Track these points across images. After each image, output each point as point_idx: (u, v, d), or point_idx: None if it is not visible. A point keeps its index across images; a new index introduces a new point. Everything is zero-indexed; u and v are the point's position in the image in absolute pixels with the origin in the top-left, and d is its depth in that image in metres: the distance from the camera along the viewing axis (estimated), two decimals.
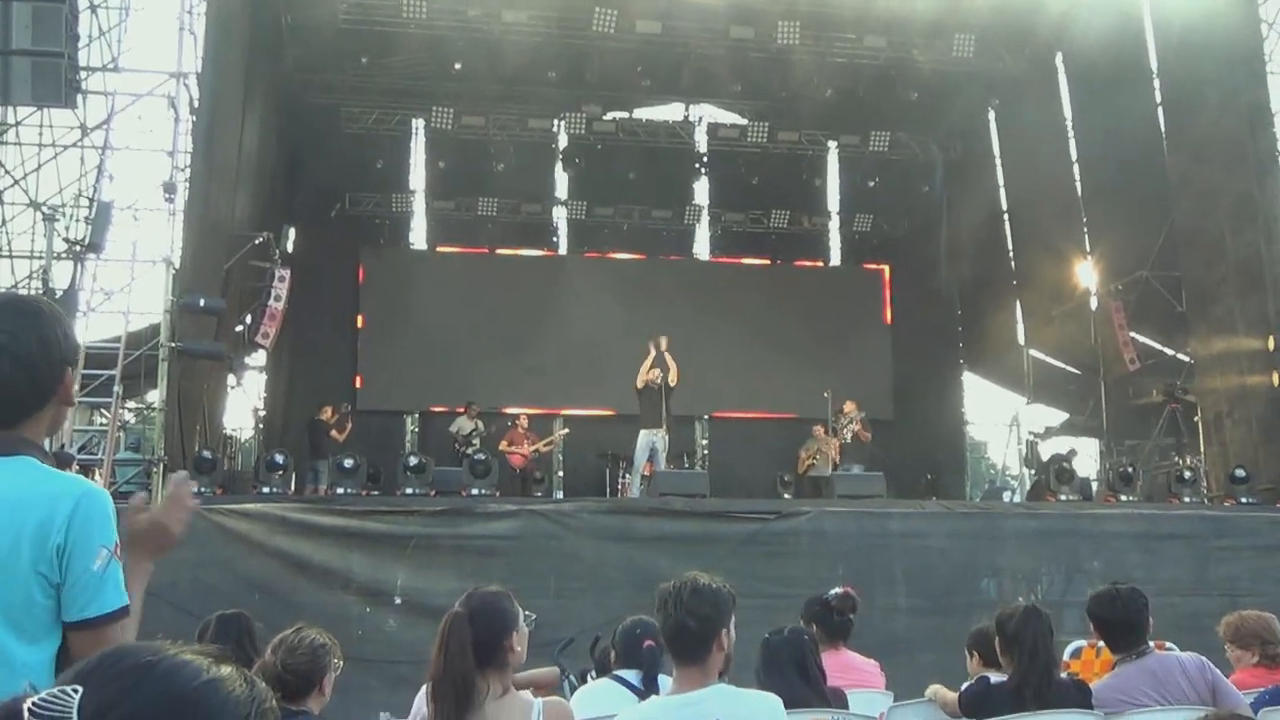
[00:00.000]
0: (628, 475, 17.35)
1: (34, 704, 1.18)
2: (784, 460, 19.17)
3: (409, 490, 13.68)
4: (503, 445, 17.36)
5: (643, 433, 15.42)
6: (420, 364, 19.81)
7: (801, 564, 12.10)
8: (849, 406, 17.39)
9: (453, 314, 20.19)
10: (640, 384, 15.33)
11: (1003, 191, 21.62)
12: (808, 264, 22.33)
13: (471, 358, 19.78)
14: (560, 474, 20.09)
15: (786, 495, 17.73)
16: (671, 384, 15.37)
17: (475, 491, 13.69)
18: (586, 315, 20.33)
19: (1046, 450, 19.07)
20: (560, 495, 18.27)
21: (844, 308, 21.61)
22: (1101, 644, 5.47)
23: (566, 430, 19.12)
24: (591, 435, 19.41)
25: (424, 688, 4.28)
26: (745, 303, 20.95)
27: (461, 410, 18.28)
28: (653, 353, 15.26)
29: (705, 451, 20.71)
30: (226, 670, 1.28)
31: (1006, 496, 17.29)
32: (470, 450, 16.60)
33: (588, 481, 19.06)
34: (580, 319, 20.29)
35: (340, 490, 13.62)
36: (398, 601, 11.69)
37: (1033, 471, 18.42)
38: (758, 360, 20.40)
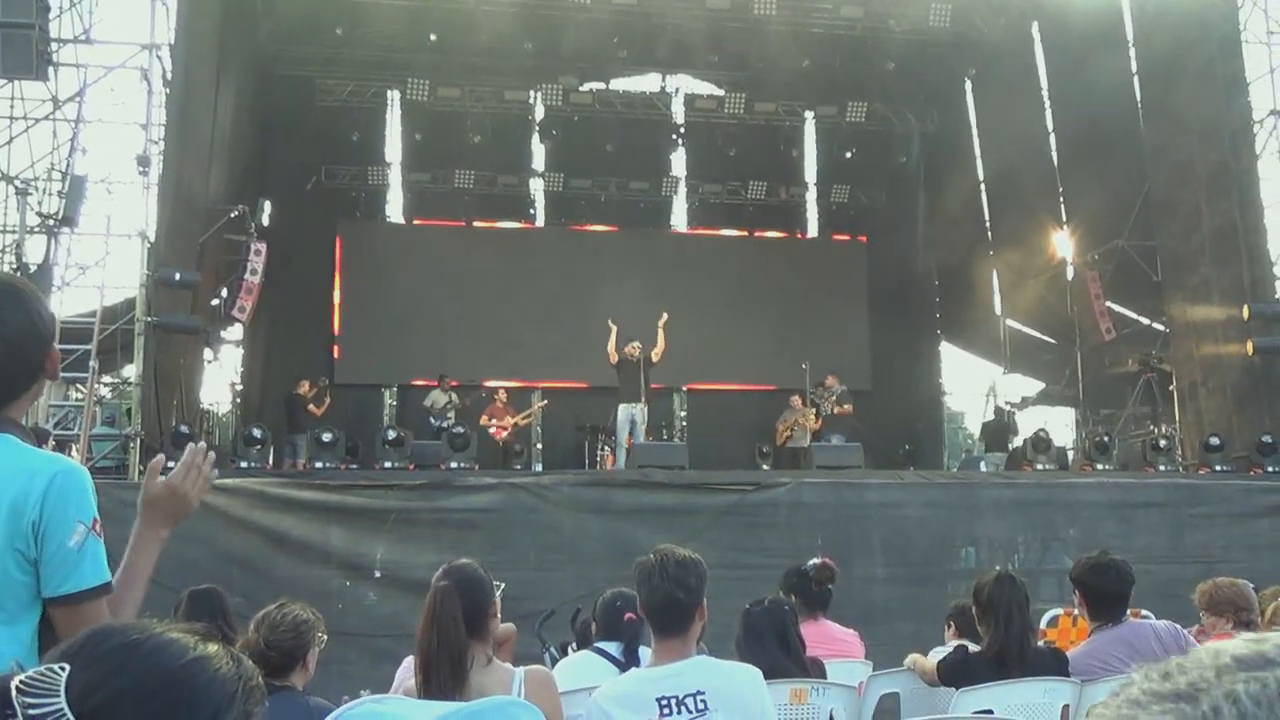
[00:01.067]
0: (607, 448, 17.43)
1: (21, 682, 1.19)
2: (762, 432, 19.25)
3: (388, 464, 13.67)
4: (484, 419, 17.43)
5: (621, 406, 15.51)
6: (398, 337, 19.78)
7: (780, 535, 12.18)
8: (831, 381, 17.48)
9: (430, 287, 20.16)
10: (613, 359, 15.46)
11: (979, 162, 21.65)
12: (785, 235, 22.38)
13: (449, 331, 19.82)
14: (539, 447, 20.09)
15: (765, 467, 17.79)
16: (654, 359, 15.45)
17: (454, 465, 13.69)
18: (564, 287, 20.36)
19: (1024, 420, 19.25)
20: (539, 468, 18.32)
21: (821, 279, 21.64)
22: (1077, 612, 5.53)
23: (545, 403, 19.20)
24: (570, 408, 19.44)
25: (406, 660, 4.28)
26: (723, 274, 20.98)
27: (435, 383, 18.38)
28: (614, 330, 15.43)
29: (684, 424, 20.75)
30: (213, 648, 1.28)
31: (983, 466, 17.40)
32: (445, 424, 16.62)
33: (566, 454, 19.12)
34: (557, 291, 20.31)
35: (319, 464, 13.66)
36: (377, 575, 11.72)
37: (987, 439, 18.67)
38: (735, 332, 20.46)
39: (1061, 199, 19.80)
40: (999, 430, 19.00)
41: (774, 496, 12.55)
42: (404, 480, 12.49)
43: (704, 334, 20.08)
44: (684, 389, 20.90)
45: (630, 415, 15.33)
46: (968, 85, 21.62)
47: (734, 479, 13.19)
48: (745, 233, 21.94)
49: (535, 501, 12.20)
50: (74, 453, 12.56)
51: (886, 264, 21.89)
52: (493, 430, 17.43)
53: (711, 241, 21.87)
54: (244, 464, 13.36)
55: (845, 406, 17.39)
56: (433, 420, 17.77)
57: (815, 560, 6.08)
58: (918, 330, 22.26)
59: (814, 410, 17.44)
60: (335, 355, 20.02)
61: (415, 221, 21.19)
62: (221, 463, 14.02)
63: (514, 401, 18.36)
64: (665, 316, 15.55)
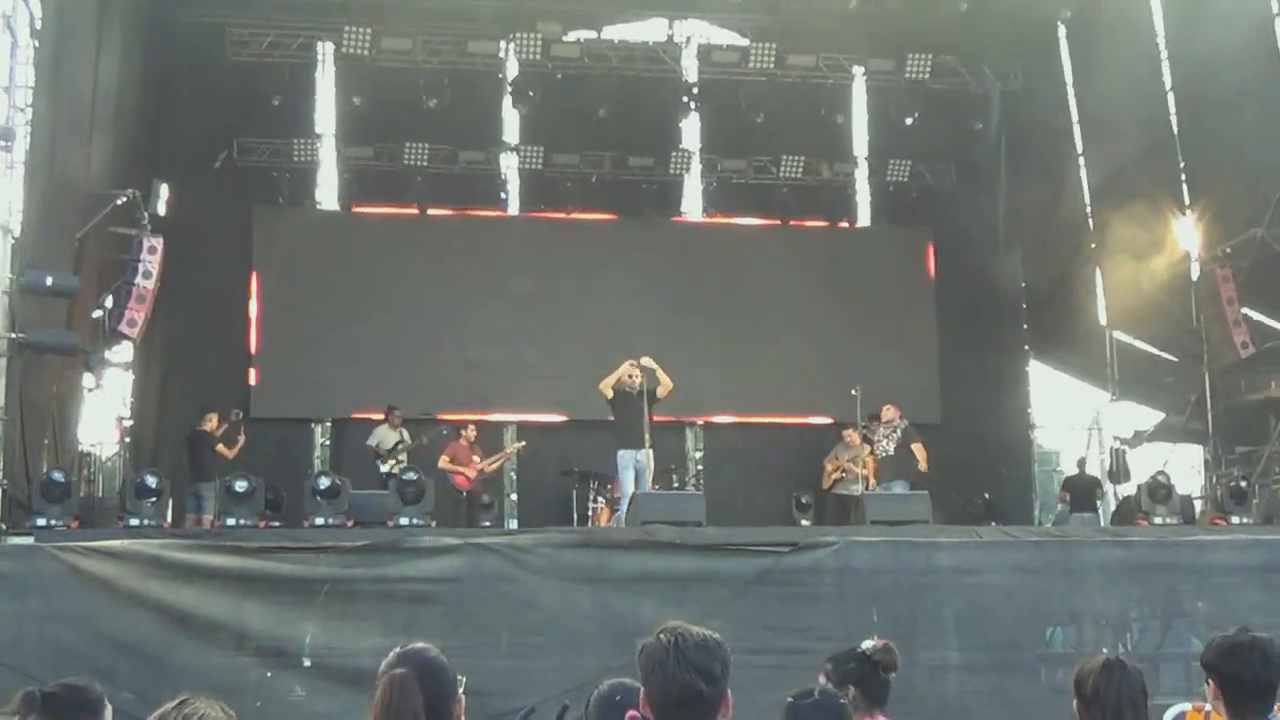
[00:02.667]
0: (601, 499, 17.41)
1: None
2: (801, 476, 19.20)
3: (319, 520, 13.67)
4: (444, 462, 17.39)
5: (621, 452, 15.49)
6: (332, 359, 19.73)
7: (825, 610, 12.16)
8: (889, 412, 17.44)
9: (373, 294, 20.16)
10: (608, 394, 15.50)
11: (1076, 130, 21.63)
12: (827, 225, 22.29)
13: (399, 350, 19.82)
14: (513, 497, 20.12)
15: (805, 521, 17.79)
16: (660, 395, 15.50)
17: (405, 521, 13.69)
18: (544, 294, 20.38)
19: (1138, 460, 19.18)
20: (514, 524, 18.35)
21: (875, 281, 21.63)
22: (1209, 708, 5.48)
23: (522, 444, 19.18)
24: (552, 447, 19.45)
25: None
26: (748, 276, 21.01)
27: (382, 417, 18.34)
28: (626, 369, 15.45)
29: (699, 467, 20.72)
30: None
31: (1085, 520, 17.34)
32: (395, 468, 16.56)
33: (548, 507, 19.10)
34: (536, 299, 20.33)
35: (231, 521, 13.61)
36: (306, 664, 11.68)
37: (1119, 488, 18.53)
38: (765, 350, 20.44)
39: (1183, 177, 19.73)
40: (1086, 486, 19.04)
41: (817, 560, 12.54)
42: (341, 541, 12.47)
43: (725, 353, 20.14)
44: (699, 423, 20.89)
45: (633, 461, 15.32)
46: (1061, 32, 21.59)
47: (765, 537, 13.19)
48: (777, 222, 21.90)
49: (509, 568, 12.17)
50: None
51: (959, 261, 21.88)
52: (455, 477, 17.42)
53: (733, 234, 21.93)
54: (134, 521, 13.24)
55: (914, 445, 17.36)
56: (379, 464, 17.72)
57: (872, 642, 6.04)
58: (1000, 346, 22.27)
59: (870, 450, 17.47)
60: (251, 381, 19.97)
61: (354, 209, 21.18)
62: (106, 520, 14.04)
63: (482, 440, 18.34)
64: (647, 361, 15.43)
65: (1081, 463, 20.02)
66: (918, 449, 17.24)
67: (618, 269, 20.55)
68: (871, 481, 17.34)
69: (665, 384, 15.47)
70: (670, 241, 21.57)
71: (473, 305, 20.21)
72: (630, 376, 15.43)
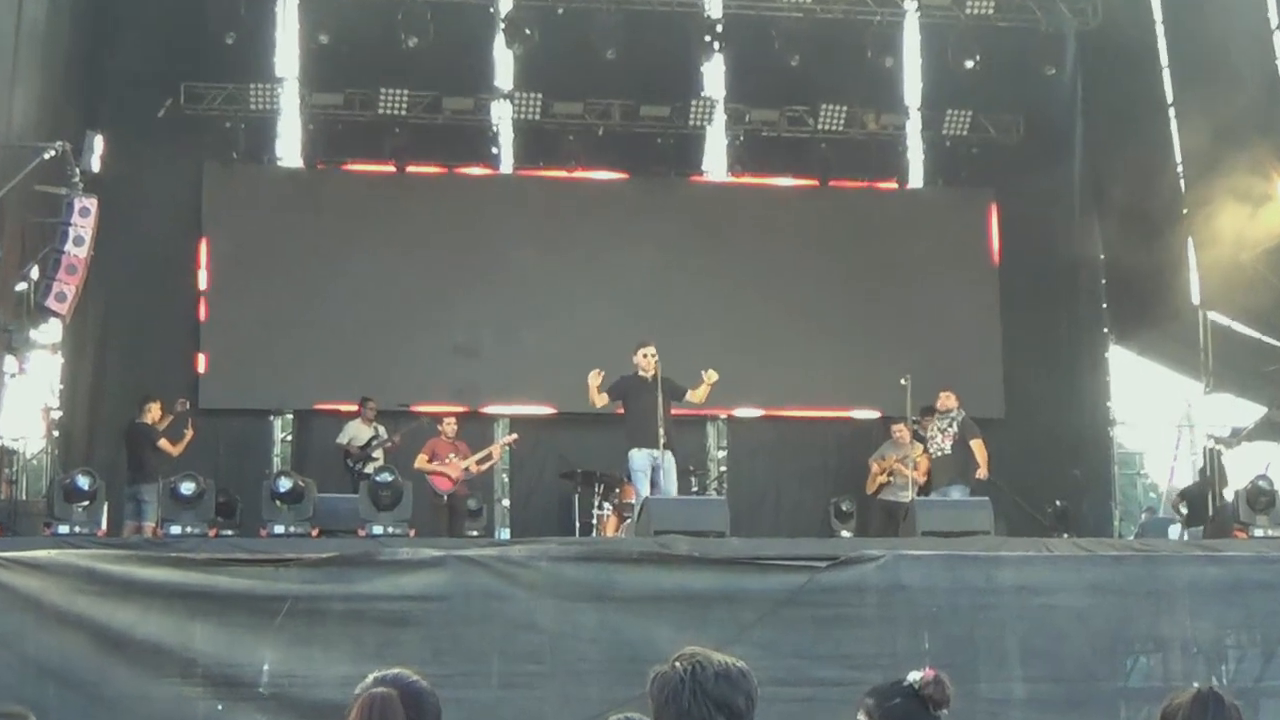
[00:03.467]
0: (607, 505, 17.45)
1: None
2: (841, 480, 19.31)
3: (279, 529, 13.70)
4: (421, 462, 17.50)
5: (633, 452, 15.52)
6: (295, 341, 19.83)
7: (868, 635, 12.18)
8: (947, 400, 17.43)
9: (343, 266, 20.21)
10: (598, 400, 15.56)
11: (1166, 75, 21.42)
12: (874, 186, 22.30)
13: (372, 332, 19.90)
14: (505, 503, 20.20)
15: (845, 532, 17.78)
16: (692, 399, 15.65)
17: (379, 530, 13.67)
18: (543, 267, 20.41)
19: (1236, 463, 19.11)
20: (506, 534, 18.45)
21: (929, 252, 21.56)
22: None
23: (513, 437, 19.23)
24: (550, 445, 19.60)
25: None
26: (780, 245, 21.07)
27: (354, 410, 18.37)
28: (647, 364, 15.51)
29: (722, 468, 20.85)
30: None
31: (1174, 532, 17.26)
32: (369, 468, 16.56)
33: (546, 514, 19.29)
34: (533, 271, 20.36)
35: (176, 529, 13.58)
36: (263, 693, 11.69)
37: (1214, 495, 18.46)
38: (800, 332, 20.54)
39: None
40: (1201, 494, 18.94)
41: (860, 577, 12.51)
42: (304, 553, 12.46)
43: (753, 335, 20.19)
44: (722, 417, 20.96)
45: (649, 463, 15.35)
46: None
47: (798, 551, 13.20)
48: (814, 182, 21.88)
49: (500, 585, 12.17)
50: None
51: (1027, 229, 21.91)
52: (435, 478, 17.49)
53: (763, 196, 21.89)
54: (64, 529, 13.21)
55: (972, 442, 17.44)
56: (349, 464, 17.85)
57: (921, 673, 6.01)
58: (1075, 329, 22.26)
59: (922, 446, 17.53)
60: (200, 366, 20.01)
61: (320, 166, 21.18)
62: (31, 527, 14.06)
63: (468, 436, 18.43)
64: (714, 376, 15.55)
65: (1203, 471, 19.79)
66: (977, 447, 17.25)
67: (629, 237, 20.59)
68: (921, 479, 17.36)
69: (702, 393, 15.64)
70: (690, 205, 21.53)
71: (460, 280, 20.26)
72: (644, 357, 15.47)
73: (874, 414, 19.96)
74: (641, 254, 20.35)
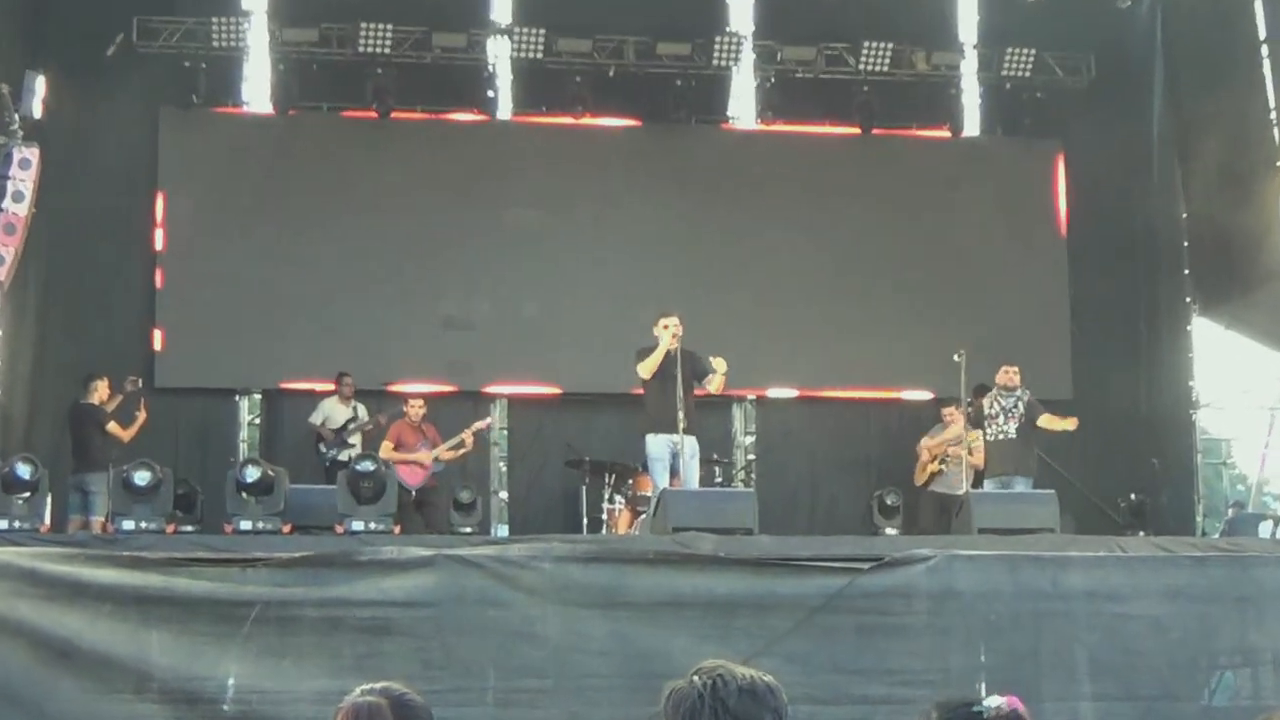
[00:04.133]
0: (619, 497, 17.49)
1: None
2: (886, 470, 19.27)
3: (246, 525, 13.62)
4: (387, 450, 17.37)
5: (651, 438, 15.52)
6: (264, 310, 19.81)
7: (917, 646, 12.09)
8: (1008, 376, 17.23)
9: (318, 225, 20.21)
10: (646, 374, 15.47)
11: (1259, 10, 21.26)
12: (924, 135, 22.23)
13: (350, 301, 19.86)
14: (503, 496, 20.17)
15: (891, 529, 17.59)
16: (714, 389, 15.56)
17: (359, 526, 13.68)
18: (546, 227, 20.40)
19: None
20: (504, 531, 18.38)
21: (988, 210, 21.55)
22: None
23: (488, 422, 19.19)
24: (555, 430, 19.60)
25: None
26: (817, 202, 20.99)
27: (330, 387, 18.40)
28: (666, 337, 15.36)
29: (751, 456, 20.82)
30: None
31: (1265, 530, 17.21)
32: (344, 454, 16.57)
33: (549, 509, 19.33)
34: (535, 234, 20.35)
35: (129, 524, 13.50)
36: (228, 711, 11.66)
37: None
38: (840, 302, 20.54)
39: None
40: None
41: (907, 580, 12.41)
42: (274, 552, 12.38)
43: (786, 305, 20.18)
44: (749, 398, 20.92)
45: (668, 449, 15.33)
46: None
47: (837, 550, 13.06)
48: (855, 130, 21.70)
49: (498, 589, 12.10)
50: None
51: (1098, 185, 21.79)
52: (402, 469, 17.13)
53: (797, 146, 21.76)
54: (2, 523, 13.18)
55: (1041, 419, 17.27)
56: (322, 449, 17.90)
57: (999, 700, 5.90)
58: (1153, 299, 22.10)
59: (979, 430, 17.44)
60: (156, 341, 19.93)
61: (292, 112, 20.98)
62: None
63: (460, 419, 18.45)
64: (723, 365, 15.42)
65: None
66: (1048, 421, 17.03)
67: (643, 194, 20.46)
68: (976, 466, 17.26)
69: (718, 387, 15.60)
70: (713, 157, 21.40)
71: (451, 242, 20.21)
72: (665, 328, 15.28)
73: (924, 395, 19.81)
74: (658, 213, 20.24)
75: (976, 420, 17.37)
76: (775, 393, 20.98)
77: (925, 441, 19.01)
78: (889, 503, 18.50)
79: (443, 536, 15.48)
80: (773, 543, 13.42)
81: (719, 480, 18.46)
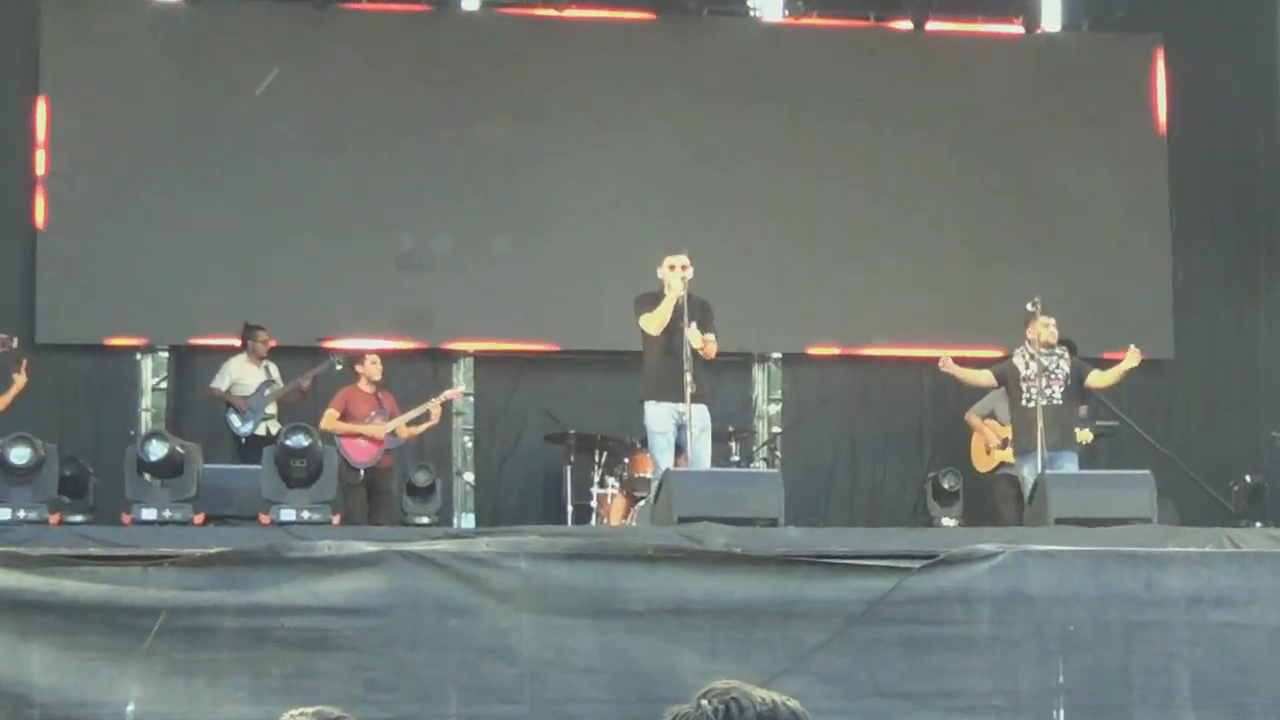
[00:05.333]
0: (613, 481, 17.60)
1: None
2: (942, 446, 19.35)
3: (149, 514, 13.64)
4: (330, 420, 17.40)
5: (650, 406, 15.54)
6: (170, 250, 19.68)
7: (980, 664, 11.93)
8: (1049, 329, 17.13)
9: (237, 141, 20.08)
10: (655, 329, 15.42)
11: None
12: (992, 30, 22.18)
13: (278, 236, 19.83)
14: (468, 478, 20.01)
15: (948, 519, 17.75)
16: (702, 351, 15.41)
17: (291, 515, 13.81)
18: (520, 144, 20.30)
19: None
20: (469, 521, 18.53)
21: (1069, 122, 21.47)
22: None
23: (460, 390, 19.21)
24: (534, 396, 19.57)
25: None
26: (858, 113, 20.96)
27: (237, 343, 18.41)
28: (674, 281, 15.33)
29: (775, 430, 20.66)
30: None
31: None
32: (265, 427, 16.66)
33: (528, 493, 19.45)
34: (509, 153, 20.22)
35: (3, 514, 13.50)
36: None
37: None
38: (885, 239, 20.53)
39: None
40: None
41: (967, 582, 12.25)
42: (185, 548, 12.33)
43: (819, 242, 20.21)
44: (774, 356, 20.88)
45: (672, 422, 15.37)
46: None
47: (881, 544, 13.24)
48: (906, 24, 21.64)
49: (461, 592, 11.98)
50: None
51: (1208, 91, 21.75)
52: (349, 444, 17.28)
53: (834, 44, 21.77)
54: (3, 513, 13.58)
55: (1089, 377, 17.40)
56: (236, 422, 17.93)
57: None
58: (1274, 233, 22.15)
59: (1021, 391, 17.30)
60: (37, 289, 19.73)
61: None
62: None
63: (418, 382, 18.56)
64: (692, 334, 15.18)
65: None
66: (1099, 379, 17.04)
67: (646, 102, 20.37)
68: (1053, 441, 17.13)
69: (709, 350, 15.45)
70: (732, 56, 21.21)
71: (405, 162, 20.11)
72: (672, 269, 15.22)
73: (993, 353, 19.33)
74: (664, 125, 20.11)
75: (1006, 380, 17.31)
76: (807, 351, 20.81)
77: (972, 414, 18.84)
78: (946, 486, 18.59)
79: (394, 528, 15.62)
80: (802, 536, 13.50)
81: (736, 459, 18.37)
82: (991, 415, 18.47)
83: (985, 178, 20.93)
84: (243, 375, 18.05)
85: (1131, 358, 17.11)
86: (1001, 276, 19.15)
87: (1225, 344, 21.07)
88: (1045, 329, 17.06)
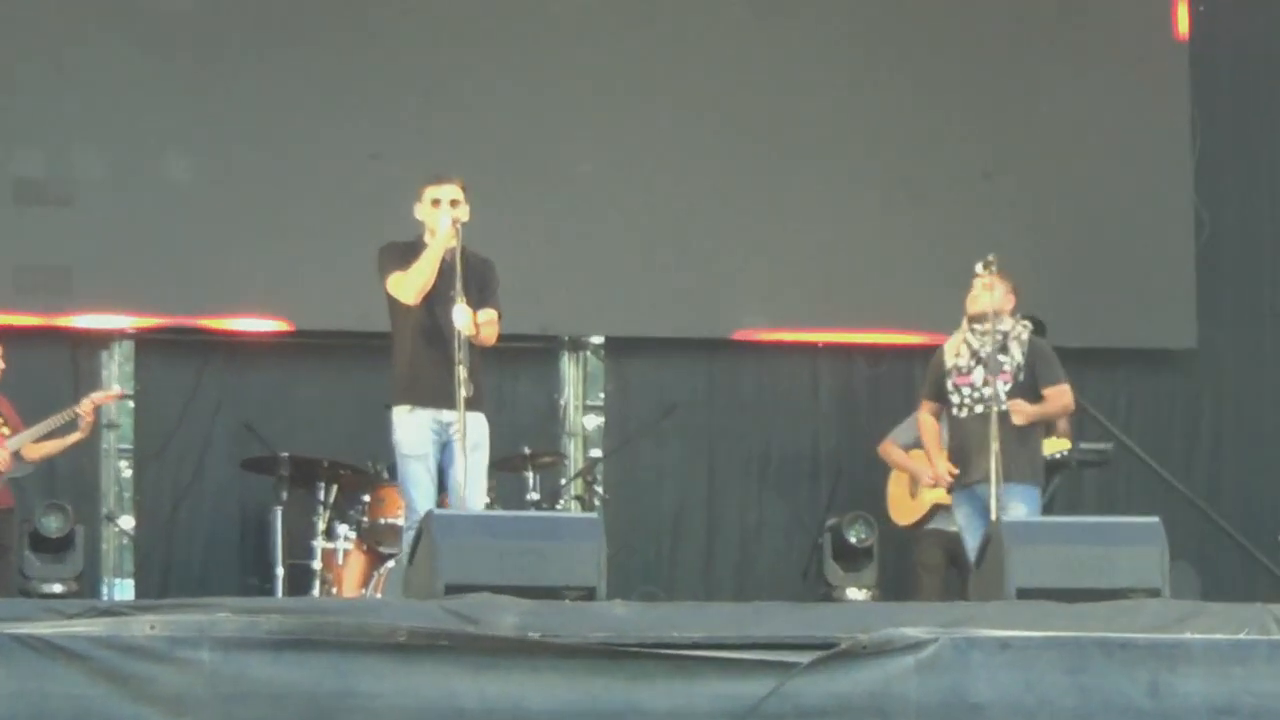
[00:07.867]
0: (344, 528, 17.31)
1: None
2: (846, 482, 19.11)
3: None
4: None
5: (401, 415, 15.10)
6: None
7: None
8: (992, 291, 16.75)
9: None
10: (411, 296, 14.88)
11: None
12: None
13: None
14: (124, 524, 19.62)
15: (855, 591, 17.45)
16: (484, 339, 14.77)
17: None
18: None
19: None
20: (127, 590, 18.34)
21: (1080, 44, 22.16)
22: None
23: (118, 392, 18.52)
24: (220, 396, 19.59)
25: None
26: (790, 26, 21.17)
27: None
28: (439, 223, 14.71)
29: (594, 451, 20.48)
30: None
31: None
32: None
33: (219, 547, 19.29)
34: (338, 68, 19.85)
35: None
36: None
37: None
38: (828, 189, 20.61)
39: None
40: None
41: (882, 684, 11.46)
42: None
43: (723, 179, 20.22)
44: (594, 341, 20.85)
45: (433, 439, 15.17)
46: None
47: (756, 628, 12.31)
48: None
49: (113, 699, 11.65)
50: None
51: (1239, 24, 22.57)
52: None
53: None
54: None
55: (1047, 391, 16.97)
56: None
57: None
58: None
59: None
60: None
61: None
62: None
63: (22, 374, 18.03)
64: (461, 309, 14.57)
65: None
66: (1054, 395, 16.62)
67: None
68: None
69: (488, 333, 14.93)
70: None
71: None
72: (435, 204, 15.01)
73: (930, 338, 18.87)
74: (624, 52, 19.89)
75: (935, 382, 16.75)
76: (641, 331, 20.49)
77: (891, 445, 17.88)
78: (853, 540, 18.32)
79: (9, 601, 15.38)
80: (633, 615, 12.66)
81: (534, 496, 17.72)
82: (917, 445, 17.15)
83: (971, 122, 21.56)
84: None
85: (1063, 444, 17.10)
86: (973, 241, 18.19)
87: (1268, 327, 21.39)
88: (986, 294, 16.40)
